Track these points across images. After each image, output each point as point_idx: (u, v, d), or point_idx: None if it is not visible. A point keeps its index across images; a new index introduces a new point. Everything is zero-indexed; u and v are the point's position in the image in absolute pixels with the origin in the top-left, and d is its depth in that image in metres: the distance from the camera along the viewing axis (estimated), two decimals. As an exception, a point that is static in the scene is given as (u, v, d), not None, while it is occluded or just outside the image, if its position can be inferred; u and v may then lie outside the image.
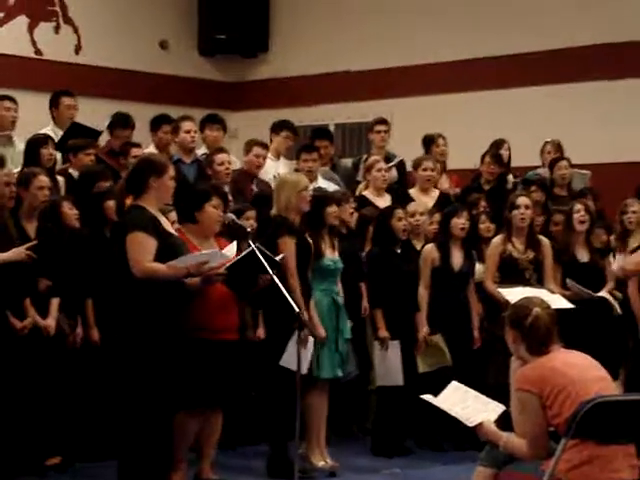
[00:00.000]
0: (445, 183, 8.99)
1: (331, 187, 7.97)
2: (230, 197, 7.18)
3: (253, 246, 5.71)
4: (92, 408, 6.49)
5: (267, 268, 5.69)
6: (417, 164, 8.54)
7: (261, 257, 5.67)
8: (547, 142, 9.38)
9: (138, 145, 8.10)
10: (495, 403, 4.58)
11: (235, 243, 5.89)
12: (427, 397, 4.63)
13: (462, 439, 6.99)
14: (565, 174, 8.83)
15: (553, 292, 7.21)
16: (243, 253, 5.75)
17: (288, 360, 6.19)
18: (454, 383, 4.72)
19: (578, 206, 7.77)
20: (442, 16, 11.39)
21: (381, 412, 7.39)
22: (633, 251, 7.51)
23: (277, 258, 5.95)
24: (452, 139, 9.25)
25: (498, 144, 9.14)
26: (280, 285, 5.66)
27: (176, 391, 5.44)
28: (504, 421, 4.50)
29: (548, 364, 4.33)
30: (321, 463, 6.77)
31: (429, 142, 9.07)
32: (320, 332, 6.61)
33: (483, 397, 4.62)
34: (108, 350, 6.07)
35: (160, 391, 5.34)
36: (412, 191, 8.49)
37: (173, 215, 6.46)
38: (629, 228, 7.88)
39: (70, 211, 6.61)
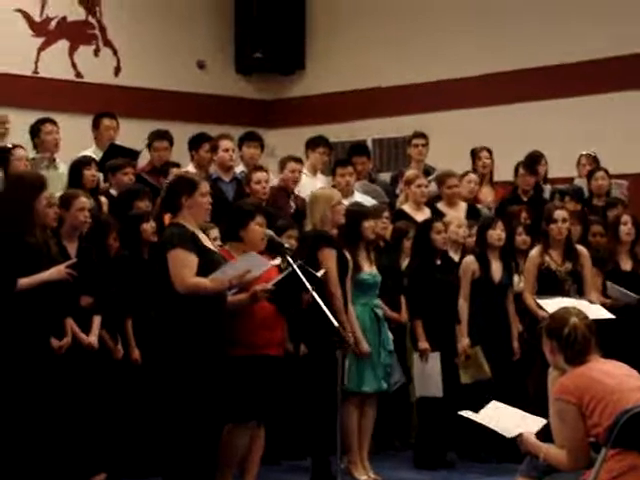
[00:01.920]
0: (490, 196, 8.96)
1: (368, 201, 8.00)
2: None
3: (294, 265, 5.73)
4: (137, 425, 6.54)
5: (307, 286, 5.71)
6: (441, 181, 8.52)
7: (301, 275, 5.69)
8: (582, 155, 9.35)
9: (177, 164, 8.18)
10: (535, 417, 4.58)
11: (279, 257, 5.94)
12: (466, 413, 4.64)
13: (503, 450, 6.98)
14: (602, 185, 8.79)
15: (593, 302, 7.19)
16: (284, 273, 5.78)
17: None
18: (494, 402, 4.72)
19: (625, 217, 7.74)
20: (475, 30, 11.42)
21: (423, 425, 7.38)
22: None
23: (318, 274, 5.97)
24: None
25: (536, 158, 9.09)
26: (320, 302, 5.68)
27: (220, 407, 5.47)
28: (545, 433, 4.51)
29: (587, 373, 4.33)
30: (364, 477, 6.80)
31: (473, 155, 9.08)
32: (364, 347, 6.65)
33: (523, 413, 4.62)
34: (153, 366, 6.13)
35: (203, 407, 5.36)
36: (440, 205, 8.48)
37: (214, 232, 6.52)
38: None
39: (114, 243, 6.61)
